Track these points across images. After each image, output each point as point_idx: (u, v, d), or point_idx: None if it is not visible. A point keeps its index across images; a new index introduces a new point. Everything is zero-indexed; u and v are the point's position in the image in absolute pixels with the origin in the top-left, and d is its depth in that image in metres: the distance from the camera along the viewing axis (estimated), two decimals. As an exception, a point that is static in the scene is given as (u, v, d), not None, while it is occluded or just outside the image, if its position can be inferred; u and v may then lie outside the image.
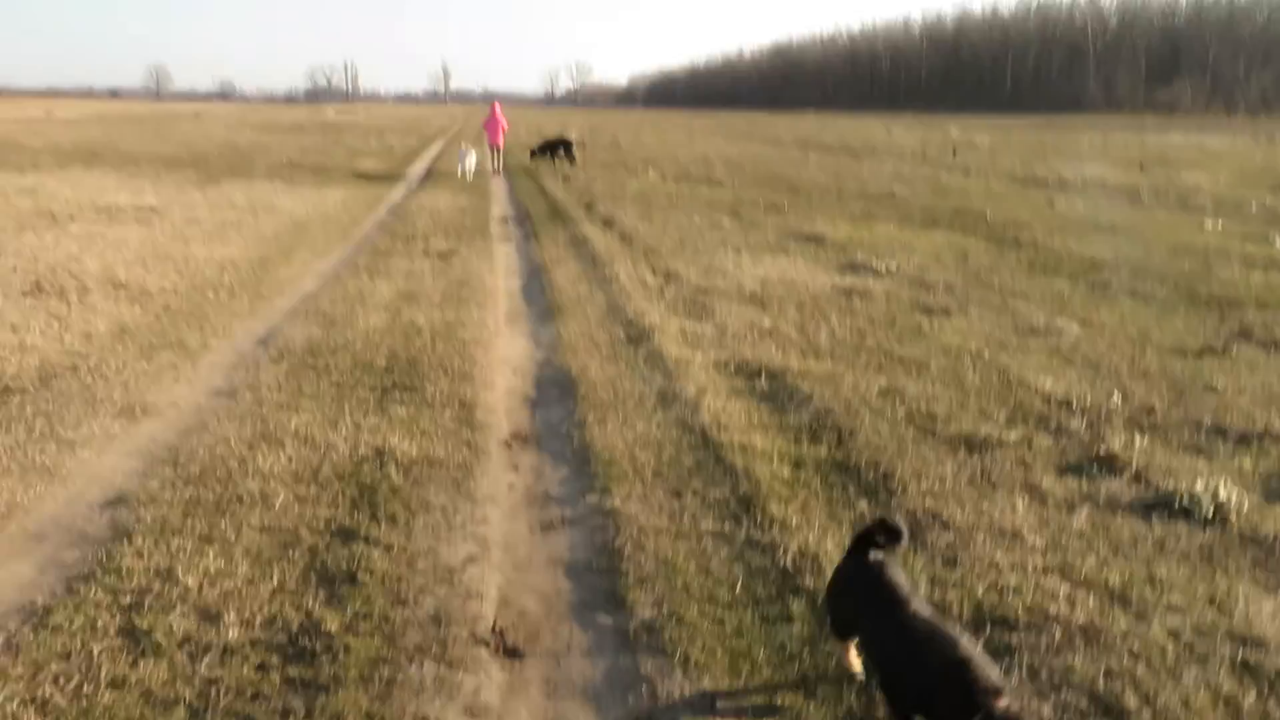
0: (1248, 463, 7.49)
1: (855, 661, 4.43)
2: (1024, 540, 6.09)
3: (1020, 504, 6.69)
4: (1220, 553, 5.89)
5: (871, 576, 4.22)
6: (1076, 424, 8.43)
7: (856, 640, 4.48)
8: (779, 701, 4.52)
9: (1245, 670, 4.53)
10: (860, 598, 4.23)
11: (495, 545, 6.26)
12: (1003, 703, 3.61)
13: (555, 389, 9.69)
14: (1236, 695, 4.32)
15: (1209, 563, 5.75)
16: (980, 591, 5.41)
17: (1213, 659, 4.63)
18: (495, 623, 5.30)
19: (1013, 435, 8.08)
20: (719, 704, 4.54)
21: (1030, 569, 5.68)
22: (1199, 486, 6.63)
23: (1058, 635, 4.88)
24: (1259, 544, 5.98)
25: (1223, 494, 6.55)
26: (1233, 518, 6.32)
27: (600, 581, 5.80)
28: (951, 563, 5.82)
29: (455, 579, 5.72)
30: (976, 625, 5.07)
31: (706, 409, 8.95)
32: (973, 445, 7.98)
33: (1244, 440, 7.96)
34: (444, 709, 4.50)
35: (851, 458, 7.73)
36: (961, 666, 3.66)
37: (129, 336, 10.97)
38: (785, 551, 6.07)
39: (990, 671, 3.71)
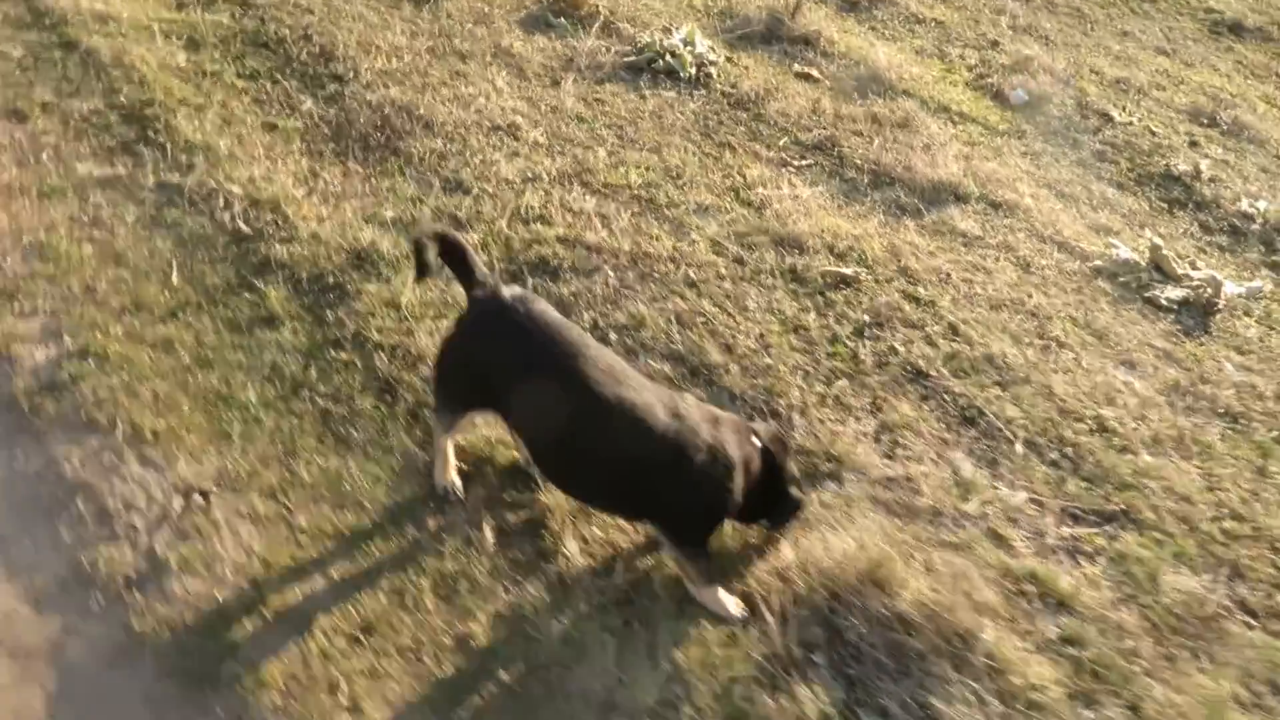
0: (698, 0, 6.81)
1: (453, 472, 3.01)
2: (524, 136, 4.86)
3: (500, 80, 5.32)
4: (715, 122, 5.26)
5: (515, 321, 2.69)
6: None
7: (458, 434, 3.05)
8: (301, 471, 3.06)
9: (796, 282, 4.07)
10: (505, 353, 2.70)
11: None
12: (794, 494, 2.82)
13: None
14: (802, 318, 3.86)
15: (712, 138, 5.11)
16: (504, 225, 4.18)
17: (766, 277, 4.08)
18: None
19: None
20: (210, 498, 2.95)
21: (545, 179, 4.53)
22: (675, 39, 5.80)
23: (610, 275, 3.94)
24: (744, 106, 5.46)
25: (698, 45, 5.82)
26: (714, 75, 5.67)
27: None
28: (455, 185, 4.42)
29: None
30: (514, 279, 3.91)
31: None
32: (416, -4, 6.16)
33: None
34: None
35: (268, 27, 5.56)
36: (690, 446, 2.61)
37: None
38: (229, 201, 4.13)
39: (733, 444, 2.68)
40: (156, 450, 3.08)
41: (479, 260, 2.93)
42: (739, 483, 2.63)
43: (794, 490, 2.79)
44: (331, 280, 3.80)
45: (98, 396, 3.22)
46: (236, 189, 4.20)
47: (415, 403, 3.29)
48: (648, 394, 2.62)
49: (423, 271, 2.85)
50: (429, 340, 3.53)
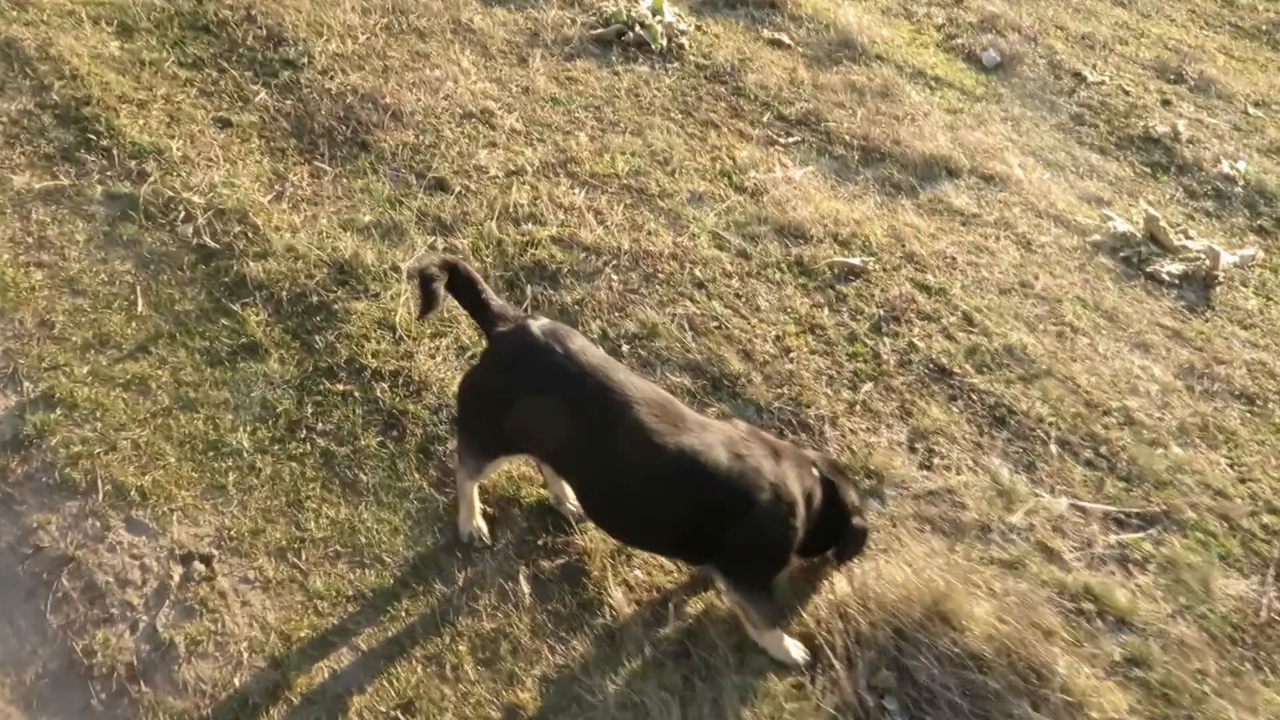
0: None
1: (479, 518, 2.73)
2: (499, 122, 4.49)
3: (465, 60, 4.92)
4: (694, 98, 4.95)
5: (553, 360, 2.40)
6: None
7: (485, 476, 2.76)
8: (310, 525, 2.76)
9: (805, 275, 3.84)
10: (543, 397, 2.39)
11: None
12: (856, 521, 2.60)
13: None
14: (817, 316, 3.63)
15: (693, 116, 4.80)
16: (494, 226, 3.85)
17: (773, 271, 3.84)
18: None
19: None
20: (212, 564, 2.64)
21: (529, 171, 4.19)
22: (643, 7, 5.43)
23: (613, 278, 3.65)
24: (720, 79, 5.14)
25: (666, 14, 5.46)
26: (686, 45, 5.33)
27: None
28: (435, 183, 4.06)
29: None
30: (512, 287, 3.60)
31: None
32: (360, -35, 5.64)
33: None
34: None
35: (206, 7, 5.04)
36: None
37: None
38: (190, 212, 3.72)
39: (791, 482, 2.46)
40: (145, 511, 2.75)
41: (492, 291, 2.63)
42: (803, 519, 2.43)
43: (857, 520, 2.58)
44: (315, 300, 3.45)
45: (70, 451, 2.86)
46: (196, 198, 3.78)
47: (425, 437, 3.00)
48: (706, 434, 2.39)
49: (429, 306, 2.54)
50: (431, 364, 3.22)
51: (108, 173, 3.88)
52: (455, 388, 3.07)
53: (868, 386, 3.34)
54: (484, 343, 2.67)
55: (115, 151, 3.98)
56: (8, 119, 4.11)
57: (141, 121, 4.17)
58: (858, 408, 3.26)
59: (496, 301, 2.59)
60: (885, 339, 3.54)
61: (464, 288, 2.57)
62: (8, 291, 3.31)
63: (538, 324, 2.48)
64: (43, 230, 3.58)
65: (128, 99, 4.31)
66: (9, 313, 3.23)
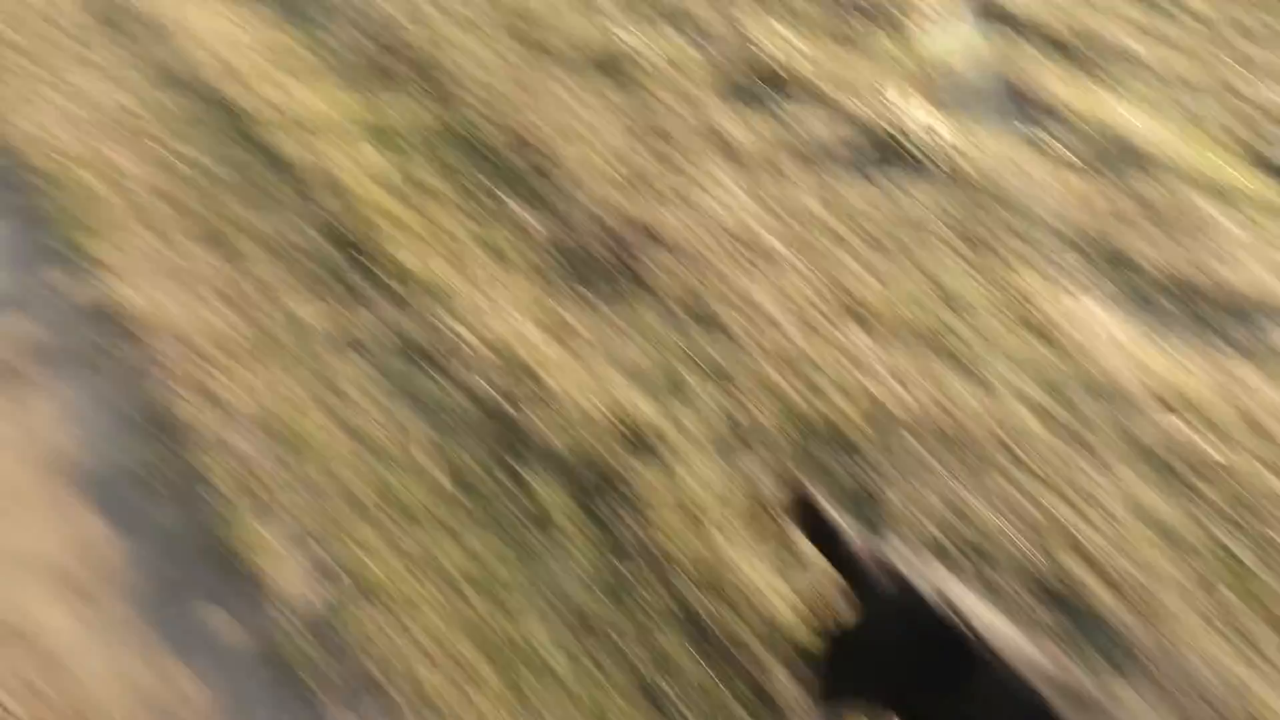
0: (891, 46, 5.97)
1: None
2: (767, 250, 4.21)
3: (722, 174, 4.66)
4: (973, 221, 4.50)
5: (943, 627, 2.06)
6: (705, 14, 6.19)
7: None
8: None
9: (1138, 454, 3.32)
10: (932, 659, 2.08)
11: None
12: None
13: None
14: (1167, 516, 3.11)
15: (975, 244, 4.35)
16: (781, 380, 3.53)
17: (1100, 447, 3.35)
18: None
19: (655, 45, 5.68)
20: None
21: (809, 311, 3.87)
22: (899, 112, 5.01)
23: (921, 455, 3.26)
24: (998, 198, 4.66)
25: (925, 118, 5.04)
26: (954, 158, 4.89)
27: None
28: (709, 321, 3.79)
29: None
30: (807, 456, 3.26)
31: (191, 35, 5.33)
32: (604, 64, 5.52)
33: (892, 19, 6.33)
34: None
35: (466, 119, 4.96)
36: None
37: None
38: (472, 359, 3.57)
39: None
40: (441, 718, 2.53)
41: (843, 518, 2.30)
42: None
43: None
44: (599, 464, 3.22)
45: (371, 641, 2.69)
46: (477, 340, 3.65)
47: (746, 659, 2.67)
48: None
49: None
50: (745, 565, 2.91)
51: (386, 308, 3.81)
52: (789, 612, 2.74)
53: (1249, 620, 2.80)
54: (833, 570, 2.32)
55: (396, 287, 3.90)
56: (289, 243, 4.11)
57: (417, 253, 4.08)
58: (1241, 650, 2.73)
59: (857, 540, 2.25)
60: (1259, 550, 2.99)
61: (817, 526, 2.26)
62: (312, 453, 3.21)
63: (923, 581, 2.13)
64: (333, 376, 3.51)
65: (400, 224, 4.25)
66: (313, 478, 3.12)
